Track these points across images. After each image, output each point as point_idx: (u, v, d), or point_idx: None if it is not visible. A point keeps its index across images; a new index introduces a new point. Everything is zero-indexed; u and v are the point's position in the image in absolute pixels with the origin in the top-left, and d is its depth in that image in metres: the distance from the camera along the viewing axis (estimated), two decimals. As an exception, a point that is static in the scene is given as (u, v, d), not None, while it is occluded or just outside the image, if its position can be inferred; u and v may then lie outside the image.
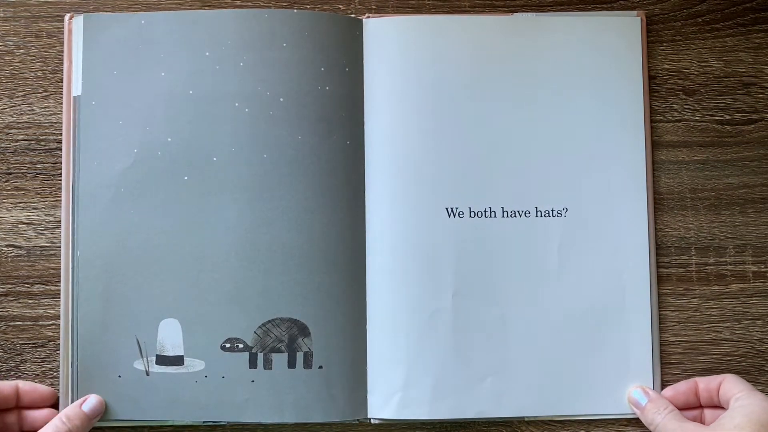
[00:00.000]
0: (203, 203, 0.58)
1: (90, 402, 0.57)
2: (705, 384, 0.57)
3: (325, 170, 0.59)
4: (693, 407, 0.58)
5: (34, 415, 0.57)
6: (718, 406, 0.56)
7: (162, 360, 0.58)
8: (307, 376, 0.58)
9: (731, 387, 0.55)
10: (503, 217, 0.59)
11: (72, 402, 0.57)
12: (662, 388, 0.59)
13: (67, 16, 0.60)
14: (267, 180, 0.59)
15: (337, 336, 0.58)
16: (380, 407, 0.58)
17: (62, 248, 0.59)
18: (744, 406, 0.53)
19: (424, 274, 0.59)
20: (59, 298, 0.58)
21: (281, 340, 0.58)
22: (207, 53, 0.59)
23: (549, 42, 0.60)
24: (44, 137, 0.61)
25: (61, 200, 0.59)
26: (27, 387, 0.57)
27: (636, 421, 0.59)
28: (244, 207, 0.58)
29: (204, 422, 0.58)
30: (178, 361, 0.58)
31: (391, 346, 0.58)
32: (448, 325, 0.58)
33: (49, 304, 0.60)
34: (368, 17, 0.61)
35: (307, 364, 0.58)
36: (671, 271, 0.61)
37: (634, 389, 0.58)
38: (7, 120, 0.61)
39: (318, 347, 0.58)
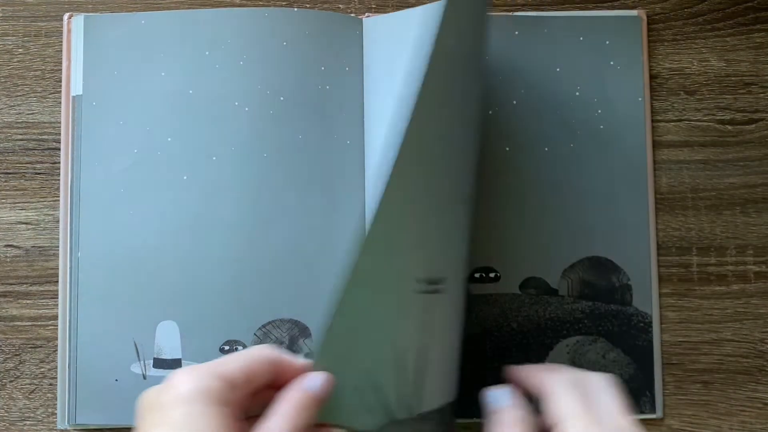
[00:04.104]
0: (203, 203, 0.58)
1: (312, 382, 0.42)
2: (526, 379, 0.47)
3: (325, 170, 0.59)
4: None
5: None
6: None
7: (159, 363, 0.58)
8: (308, 376, 0.58)
9: (558, 409, 0.43)
10: (504, 216, 0.59)
11: (70, 405, 0.57)
12: (663, 389, 0.59)
13: (66, 16, 0.60)
14: (267, 180, 0.58)
15: (338, 336, 0.58)
16: (381, 408, 0.58)
17: (61, 248, 0.58)
18: None
19: (425, 274, 0.58)
20: (58, 298, 0.58)
21: (282, 342, 0.58)
22: (207, 53, 0.59)
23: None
24: (43, 137, 0.60)
25: (60, 200, 0.59)
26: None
27: (639, 421, 0.58)
28: (244, 207, 0.58)
29: (204, 423, 0.58)
30: (175, 364, 0.58)
31: (391, 346, 0.58)
32: (449, 326, 0.58)
33: (47, 305, 0.59)
34: (368, 16, 0.61)
35: (308, 364, 0.58)
36: (672, 271, 0.60)
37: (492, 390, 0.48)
38: (6, 120, 0.61)
39: (318, 348, 0.58)
